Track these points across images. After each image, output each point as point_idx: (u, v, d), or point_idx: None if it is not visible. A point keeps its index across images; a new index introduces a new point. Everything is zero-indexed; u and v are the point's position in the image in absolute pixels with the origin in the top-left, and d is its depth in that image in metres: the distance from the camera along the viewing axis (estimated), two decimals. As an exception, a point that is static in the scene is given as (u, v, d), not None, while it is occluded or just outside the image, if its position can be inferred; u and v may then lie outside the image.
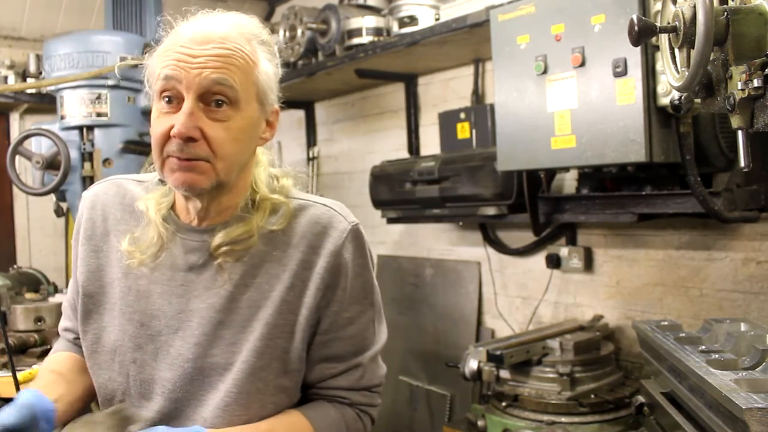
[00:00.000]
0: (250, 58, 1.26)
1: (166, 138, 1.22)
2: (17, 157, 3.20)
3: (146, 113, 3.18)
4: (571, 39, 2.27)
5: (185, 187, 1.24)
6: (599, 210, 2.52)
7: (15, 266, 3.74)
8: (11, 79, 4.22)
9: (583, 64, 2.23)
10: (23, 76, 4.27)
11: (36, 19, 4.35)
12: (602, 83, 2.19)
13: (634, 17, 1.17)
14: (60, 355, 1.50)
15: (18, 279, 3.35)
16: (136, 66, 3.07)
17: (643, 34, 1.14)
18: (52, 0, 4.27)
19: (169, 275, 1.33)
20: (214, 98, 1.22)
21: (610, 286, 2.88)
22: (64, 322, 1.52)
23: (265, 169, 1.39)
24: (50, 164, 2.97)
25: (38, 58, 4.28)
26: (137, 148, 3.10)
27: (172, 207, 1.37)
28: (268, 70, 1.29)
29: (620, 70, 2.12)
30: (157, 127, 1.24)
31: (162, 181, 1.37)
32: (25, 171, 3.41)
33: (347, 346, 1.35)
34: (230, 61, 1.22)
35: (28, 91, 4.15)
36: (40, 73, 4.03)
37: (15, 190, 4.40)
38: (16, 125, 4.57)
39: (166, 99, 1.23)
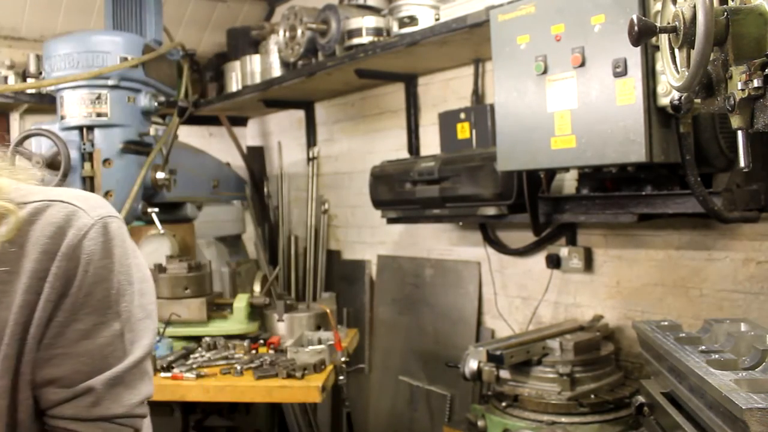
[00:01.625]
0: None
1: None
2: (17, 157, 3.20)
3: (146, 113, 3.18)
4: (571, 39, 2.27)
5: None
6: (599, 210, 2.52)
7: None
8: (11, 79, 4.22)
9: (583, 65, 2.23)
10: (23, 76, 4.27)
11: (36, 19, 4.35)
12: (602, 83, 2.19)
13: (634, 17, 1.16)
14: None
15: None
16: (136, 66, 3.08)
17: (643, 35, 1.14)
18: (52, 0, 4.27)
19: None
20: None
21: (610, 286, 2.88)
22: None
23: None
24: (50, 164, 2.96)
25: (38, 58, 4.28)
26: (137, 148, 3.10)
27: None
28: None
29: (620, 70, 2.12)
30: None
31: None
32: (25, 171, 3.40)
33: (79, 366, 1.07)
34: None
35: (28, 91, 4.15)
36: (40, 73, 4.03)
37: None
38: (16, 125, 4.56)
39: None
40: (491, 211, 2.89)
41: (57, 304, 1.04)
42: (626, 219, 2.44)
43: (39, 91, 4.08)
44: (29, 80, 4.16)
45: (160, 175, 3.13)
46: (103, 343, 1.07)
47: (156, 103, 3.18)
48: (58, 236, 1.05)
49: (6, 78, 4.22)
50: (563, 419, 2.39)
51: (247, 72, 4.23)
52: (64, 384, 1.06)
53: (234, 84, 4.35)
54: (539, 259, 3.13)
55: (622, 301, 2.84)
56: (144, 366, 1.13)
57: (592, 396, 2.43)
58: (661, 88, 2.07)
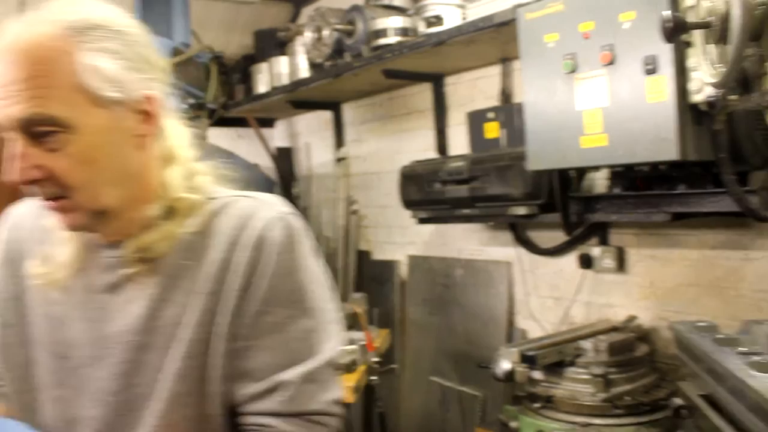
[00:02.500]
0: (63, 62, 1.01)
1: None
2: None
3: (175, 117, 3.21)
4: (600, 37, 2.23)
5: (67, 228, 1.10)
6: (631, 209, 2.49)
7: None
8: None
9: (612, 62, 2.19)
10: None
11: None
12: (632, 81, 2.15)
13: (668, 14, 1.14)
14: None
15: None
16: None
17: (676, 31, 1.12)
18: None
19: (85, 298, 1.15)
20: (38, 130, 1.01)
21: (644, 286, 2.84)
22: None
23: (182, 167, 1.17)
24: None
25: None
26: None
27: None
28: (100, 63, 1.03)
29: (651, 67, 2.08)
30: None
31: None
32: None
33: (270, 359, 1.08)
34: (37, 83, 1.00)
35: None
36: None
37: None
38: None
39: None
40: (521, 210, 2.87)
41: (243, 294, 1.08)
42: (659, 218, 2.39)
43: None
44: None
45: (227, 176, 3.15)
46: (294, 337, 1.09)
47: (185, 106, 3.20)
48: (243, 227, 1.10)
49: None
50: (597, 421, 2.36)
51: (274, 73, 4.25)
52: (257, 377, 1.07)
53: (262, 86, 4.37)
54: (571, 259, 3.10)
55: (655, 301, 2.79)
56: (331, 367, 1.12)
57: (627, 398, 2.39)
58: (693, 85, 2.02)
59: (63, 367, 1.15)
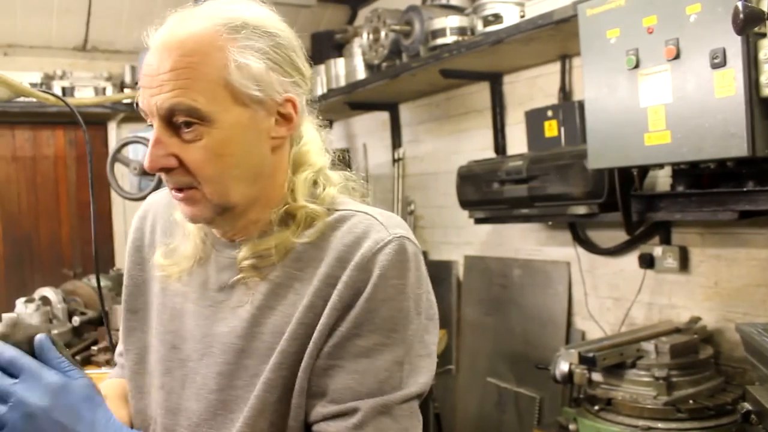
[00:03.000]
0: (213, 57, 1.04)
1: None
2: (115, 164, 3.34)
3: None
4: (665, 31, 2.19)
5: (189, 219, 1.12)
6: (696, 208, 2.43)
7: (114, 268, 3.91)
8: (109, 90, 4.42)
9: (677, 57, 2.15)
10: (120, 87, 4.45)
11: (131, 32, 4.53)
12: (699, 76, 2.10)
13: (740, 4, 1.11)
14: (110, 382, 1.36)
15: (117, 280, 3.49)
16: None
17: (749, 22, 1.09)
18: (145, 14, 4.43)
19: (200, 294, 1.18)
20: (179, 121, 1.04)
21: (708, 287, 2.77)
22: (119, 346, 1.37)
23: (312, 174, 1.17)
24: (146, 170, 3.08)
25: (133, 69, 4.47)
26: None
27: None
28: (249, 61, 1.05)
29: (718, 61, 2.03)
30: None
31: None
32: (122, 177, 3.56)
33: (352, 383, 1.04)
34: (185, 75, 1.03)
35: (125, 101, 4.33)
36: (136, 83, 4.19)
37: (113, 195, 4.60)
38: (114, 134, 4.78)
39: (152, 123, 1.08)
40: (581, 210, 2.83)
41: (342, 314, 1.05)
42: (726, 216, 2.33)
43: (134, 100, 4.24)
44: (126, 90, 4.34)
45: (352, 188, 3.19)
46: (380, 366, 1.04)
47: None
48: (355, 245, 1.07)
49: (104, 89, 4.42)
50: (660, 425, 2.31)
51: (331, 75, 4.29)
52: (334, 398, 1.05)
53: (319, 88, 4.41)
54: (632, 259, 3.04)
55: (720, 302, 2.72)
56: (415, 405, 1.08)
57: (691, 401, 2.34)
58: (764, 78, 1.97)
59: (173, 357, 1.18)
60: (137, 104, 1.10)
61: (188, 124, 1.04)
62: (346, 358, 1.05)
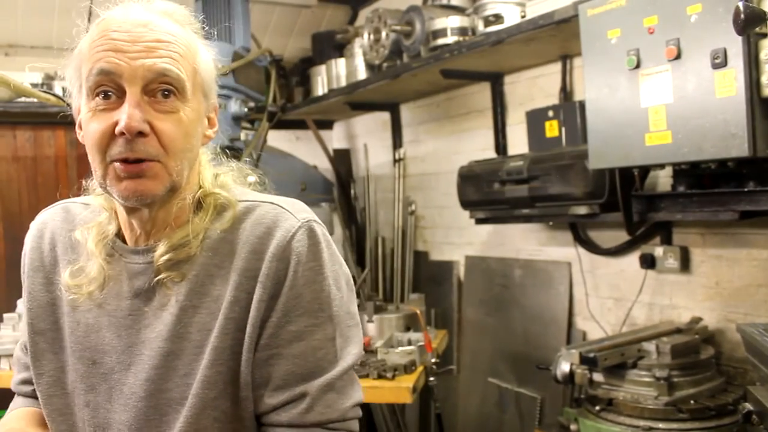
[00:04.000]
0: (191, 45, 1.14)
1: (109, 138, 1.07)
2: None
3: (236, 119, 3.26)
4: (665, 31, 2.19)
5: (136, 197, 1.09)
6: (697, 208, 2.43)
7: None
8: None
9: (678, 57, 2.15)
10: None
11: (132, 31, 4.53)
12: (699, 76, 2.10)
13: (741, 4, 1.11)
14: (18, 412, 1.32)
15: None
16: (225, 74, 3.16)
17: (750, 22, 1.09)
18: (146, 13, 4.43)
19: (116, 305, 1.17)
20: (160, 88, 1.08)
21: (709, 287, 2.77)
22: (18, 375, 1.34)
23: (209, 168, 1.24)
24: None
25: (134, 68, 4.46)
26: (229, 153, 3.18)
27: (118, 230, 1.22)
28: (208, 60, 1.18)
29: (719, 61, 2.02)
30: (93, 127, 1.08)
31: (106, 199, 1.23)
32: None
33: (293, 368, 1.10)
34: (173, 48, 1.10)
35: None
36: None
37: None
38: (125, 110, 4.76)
39: (102, 94, 1.08)
40: (582, 210, 2.83)
41: (269, 305, 1.10)
42: (727, 217, 2.33)
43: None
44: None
45: (251, 179, 3.20)
46: (315, 346, 1.11)
47: (246, 109, 3.26)
48: (267, 236, 1.12)
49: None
50: (661, 425, 2.31)
51: (332, 76, 4.29)
52: (279, 385, 1.11)
53: (320, 88, 4.41)
54: (632, 259, 3.04)
55: (721, 302, 2.72)
56: (353, 372, 1.16)
57: (692, 402, 2.33)
58: (765, 79, 1.96)
59: (93, 372, 1.18)
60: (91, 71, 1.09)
61: (166, 94, 1.09)
62: (282, 346, 1.10)
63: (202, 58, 1.16)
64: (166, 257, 1.13)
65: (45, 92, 2.02)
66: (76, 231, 1.22)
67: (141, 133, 1.06)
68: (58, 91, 4.16)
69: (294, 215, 1.15)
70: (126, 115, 1.05)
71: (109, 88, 1.08)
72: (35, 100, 2.00)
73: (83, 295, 1.18)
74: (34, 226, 1.33)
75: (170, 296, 1.14)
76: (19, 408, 1.34)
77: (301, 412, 1.10)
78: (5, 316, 3.16)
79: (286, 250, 1.11)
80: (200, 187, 1.19)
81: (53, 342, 1.24)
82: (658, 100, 2.23)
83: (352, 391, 1.15)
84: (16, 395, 1.37)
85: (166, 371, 1.12)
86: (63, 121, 4.73)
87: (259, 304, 1.10)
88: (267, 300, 1.10)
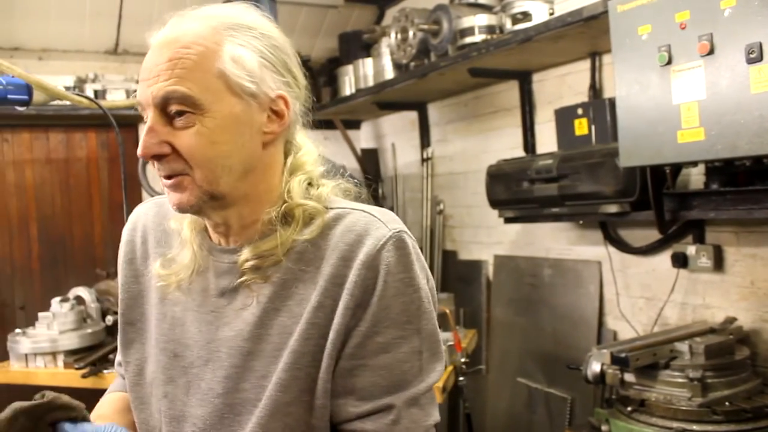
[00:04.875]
0: (209, 49, 1.09)
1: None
2: (147, 165, 3.37)
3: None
4: (698, 26, 2.16)
5: (176, 207, 1.12)
6: (731, 206, 2.39)
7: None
8: (140, 92, 4.46)
9: (711, 52, 2.11)
10: (151, 88, 4.49)
11: (161, 34, 4.58)
12: (733, 71, 2.07)
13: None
14: (111, 397, 1.39)
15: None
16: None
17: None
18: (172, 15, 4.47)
19: (201, 301, 1.19)
20: (172, 109, 1.08)
21: (743, 286, 2.72)
22: (119, 356, 1.37)
23: (306, 178, 1.19)
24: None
25: (164, 71, 4.51)
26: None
27: (206, 227, 1.23)
28: (244, 55, 1.10)
29: (755, 56, 1.99)
30: None
31: None
32: (153, 178, 3.59)
33: (377, 379, 1.08)
34: (181, 65, 1.07)
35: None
36: (166, 85, 4.23)
37: (144, 196, 4.64)
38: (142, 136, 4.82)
39: (144, 117, 1.12)
40: (613, 208, 2.80)
41: (356, 313, 1.08)
42: (762, 215, 2.29)
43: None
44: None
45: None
46: (401, 359, 1.08)
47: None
48: (357, 244, 1.10)
49: (135, 91, 4.46)
50: (695, 427, 2.27)
51: (359, 75, 4.29)
52: (363, 396, 1.09)
53: (347, 88, 4.42)
54: (664, 258, 3.00)
55: (756, 302, 2.67)
56: (434, 390, 1.14)
57: (727, 403, 2.29)
58: (802, 73, 1.93)
59: (175, 365, 1.20)
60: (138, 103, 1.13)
61: (180, 114, 1.07)
62: (368, 357, 1.08)
63: (229, 58, 1.09)
64: (250, 263, 1.13)
65: (77, 95, 2.04)
66: (171, 220, 1.24)
67: (159, 155, 1.09)
68: (89, 93, 4.22)
69: (385, 224, 1.12)
70: (140, 142, 1.09)
71: (143, 113, 1.12)
72: (68, 102, 2.02)
73: (173, 284, 1.20)
74: (130, 219, 1.35)
75: (253, 297, 1.14)
76: (114, 392, 1.40)
77: (389, 423, 1.08)
78: (40, 315, 3.21)
79: (375, 259, 1.08)
80: (286, 198, 1.16)
81: (141, 333, 1.27)
82: (691, 96, 2.20)
83: (432, 409, 1.12)
84: (117, 375, 1.44)
85: (244, 371, 1.12)
86: (94, 123, 4.80)
87: (345, 311, 1.08)
88: (353, 308, 1.08)
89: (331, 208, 1.16)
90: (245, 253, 1.13)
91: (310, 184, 1.19)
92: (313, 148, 1.25)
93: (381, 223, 1.12)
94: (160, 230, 1.28)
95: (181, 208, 1.12)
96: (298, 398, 1.09)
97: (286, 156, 1.20)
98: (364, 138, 5.39)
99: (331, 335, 1.08)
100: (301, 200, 1.15)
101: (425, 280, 1.14)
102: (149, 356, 1.25)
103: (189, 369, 1.18)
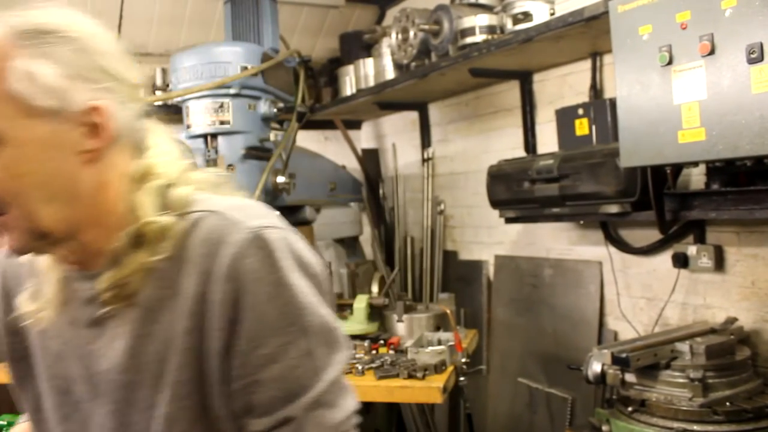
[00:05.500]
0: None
1: None
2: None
3: (266, 119, 3.27)
4: (699, 26, 2.15)
5: (10, 251, 1.02)
6: (732, 206, 2.39)
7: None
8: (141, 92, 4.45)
9: (712, 52, 2.11)
10: (152, 89, 4.50)
11: (161, 35, 4.58)
12: (735, 71, 2.06)
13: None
14: (20, 428, 1.31)
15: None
16: (255, 74, 3.18)
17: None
18: (175, 16, 4.48)
19: (73, 333, 1.09)
20: None
21: (744, 286, 2.72)
22: None
23: (160, 183, 1.07)
24: (178, 171, 3.10)
25: (164, 71, 4.51)
26: (258, 153, 3.20)
27: None
28: (37, 70, 0.96)
29: (755, 56, 1.98)
30: None
31: None
32: (155, 178, 3.59)
33: (273, 392, 1.00)
34: None
35: (156, 102, 4.37)
36: (167, 85, 4.23)
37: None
38: (146, 135, 4.81)
39: None
40: (614, 208, 2.80)
41: (231, 332, 0.99)
42: (763, 215, 2.28)
43: (166, 102, 4.29)
44: (157, 92, 4.38)
45: (281, 179, 3.21)
46: (292, 365, 1.00)
47: (275, 110, 3.27)
48: (213, 255, 1.00)
49: (136, 91, 4.46)
50: (695, 427, 2.27)
51: (360, 76, 4.29)
52: (262, 413, 1.01)
53: (348, 88, 4.41)
54: (665, 258, 3.00)
55: (758, 302, 2.67)
56: (342, 382, 1.06)
57: (728, 404, 2.29)
58: (803, 74, 1.93)
59: (66, 401, 1.12)
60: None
61: None
62: (257, 372, 1.00)
63: (22, 72, 0.95)
64: (110, 293, 1.03)
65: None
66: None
67: None
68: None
69: (242, 223, 1.01)
70: None
71: None
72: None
73: (43, 318, 1.10)
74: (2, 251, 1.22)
75: (122, 326, 1.04)
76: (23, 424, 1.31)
77: None
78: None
79: (236, 269, 0.98)
80: (130, 218, 1.04)
81: (30, 368, 1.18)
82: (692, 96, 2.20)
83: (343, 401, 1.04)
84: None
85: (128, 404, 1.04)
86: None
87: (218, 332, 0.99)
88: (226, 327, 0.99)
89: (191, 212, 1.05)
90: (102, 281, 1.03)
91: (168, 187, 1.07)
92: (168, 145, 1.14)
93: (237, 224, 1.02)
94: (30, 262, 1.16)
95: (15, 252, 1.02)
96: (192, 428, 1.02)
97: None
98: (364, 138, 5.39)
99: (212, 361, 1.00)
100: (150, 216, 1.03)
101: (300, 270, 1.03)
102: (42, 392, 1.16)
103: (80, 404, 1.10)
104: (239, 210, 1.05)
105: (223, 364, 1.00)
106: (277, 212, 1.10)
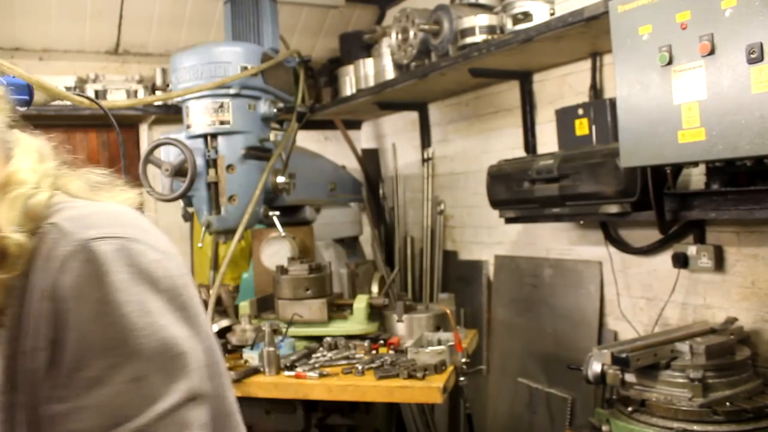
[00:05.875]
0: None
1: None
2: (148, 166, 3.37)
3: (266, 119, 3.27)
4: (699, 26, 2.15)
5: None
6: (731, 206, 2.39)
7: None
8: (141, 92, 4.47)
9: (712, 52, 2.11)
10: (152, 89, 4.50)
11: (161, 35, 4.58)
12: (735, 71, 2.07)
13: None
14: None
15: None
16: (255, 74, 3.18)
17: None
18: (175, 16, 4.48)
19: None
20: None
21: (744, 286, 2.72)
22: None
23: (21, 193, 0.97)
24: (178, 171, 3.10)
25: (164, 71, 4.52)
26: (258, 153, 3.20)
27: None
28: None
29: (755, 56, 1.99)
30: None
31: None
32: (154, 178, 3.59)
33: (96, 420, 0.88)
34: None
35: (156, 103, 4.37)
36: (167, 85, 4.23)
37: (145, 196, 4.64)
38: (145, 136, 4.82)
39: None
40: (614, 208, 2.80)
41: (52, 354, 0.90)
42: (763, 215, 2.29)
43: (166, 102, 4.29)
44: (157, 93, 4.38)
45: (281, 179, 3.21)
46: (118, 391, 0.89)
47: (275, 110, 3.27)
48: (42, 270, 0.91)
49: (136, 92, 4.47)
50: (695, 427, 2.27)
51: (360, 76, 4.30)
52: None
53: (348, 88, 4.42)
54: (665, 258, 3.00)
55: (757, 302, 2.67)
56: (182, 415, 0.92)
57: (728, 404, 2.29)
58: (802, 74, 1.93)
59: None
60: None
61: None
62: (80, 397, 0.89)
63: None
64: None
65: (78, 95, 2.04)
66: None
67: None
68: (90, 94, 4.22)
69: (70, 238, 0.91)
70: None
71: None
72: (69, 103, 2.02)
73: None
74: None
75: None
76: None
77: None
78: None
79: (57, 287, 0.89)
80: None
81: None
82: (692, 96, 2.20)
83: None
84: None
85: (11, 426, 0.93)
86: (95, 123, 4.79)
87: (32, 354, 0.90)
88: (45, 347, 0.89)
89: (44, 224, 0.95)
90: None
91: (26, 198, 0.97)
92: (32, 150, 1.05)
93: (66, 237, 0.91)
94: None
95: None
96: None
97: None
98: (364, 138, 5.39)
99: (25, 387, 0.91)
100: (5, 230, 0.92)
101: (143, 285, 0.93)
102: None
103: None
104: (79, 220, 0.95)
105: (32, 388, 0.91)
106: (146, 220, 1.01)
